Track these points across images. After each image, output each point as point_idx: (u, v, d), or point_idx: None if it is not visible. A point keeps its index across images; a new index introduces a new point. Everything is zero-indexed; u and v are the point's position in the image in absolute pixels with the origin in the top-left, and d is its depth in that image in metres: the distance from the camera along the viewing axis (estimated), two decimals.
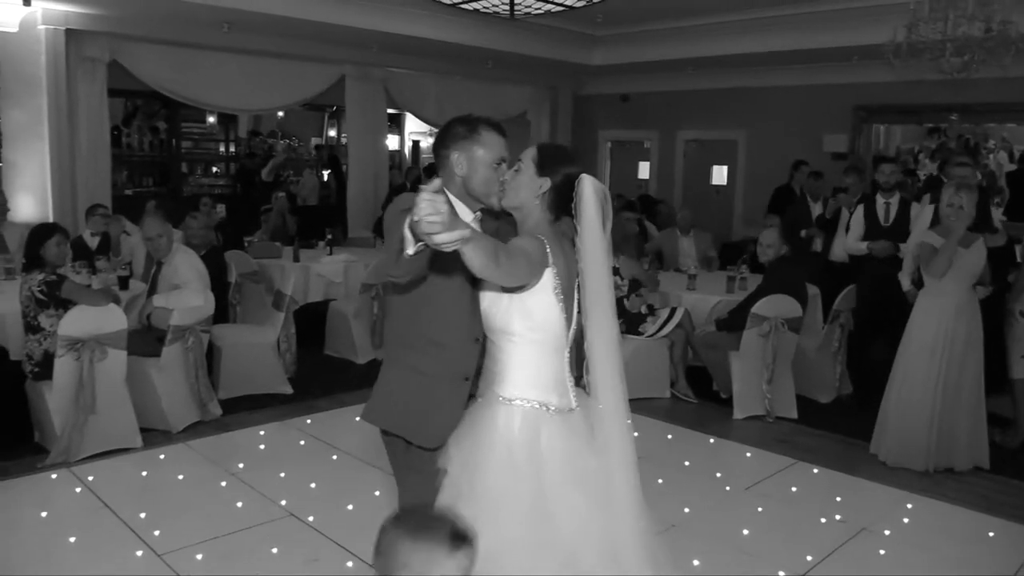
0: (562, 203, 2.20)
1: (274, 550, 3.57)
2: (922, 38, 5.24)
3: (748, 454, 4.94)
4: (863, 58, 8.06)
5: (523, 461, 2.10)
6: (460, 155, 2.30)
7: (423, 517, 1.71)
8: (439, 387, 2.30)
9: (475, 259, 1.79)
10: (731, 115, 10.55)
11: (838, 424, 5.49)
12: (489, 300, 2.18)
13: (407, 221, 1.70)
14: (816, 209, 7.29)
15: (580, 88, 11.99)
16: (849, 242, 6.20)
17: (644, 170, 12.10)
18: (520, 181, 2.24)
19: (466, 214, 2.33)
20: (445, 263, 2.15)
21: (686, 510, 4.10)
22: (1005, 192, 9.45)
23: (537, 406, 2.17)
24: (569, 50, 9.84)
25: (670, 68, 10.12)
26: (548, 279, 2.12)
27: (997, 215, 6.28)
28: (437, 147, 2.36)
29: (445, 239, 1.63)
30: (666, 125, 11.45)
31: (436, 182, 1.64)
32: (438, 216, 1.60)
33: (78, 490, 4.15)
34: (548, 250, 2.11)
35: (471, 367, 2.31)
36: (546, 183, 2.21)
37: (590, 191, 2.14)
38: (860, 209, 6.04)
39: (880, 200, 5.97)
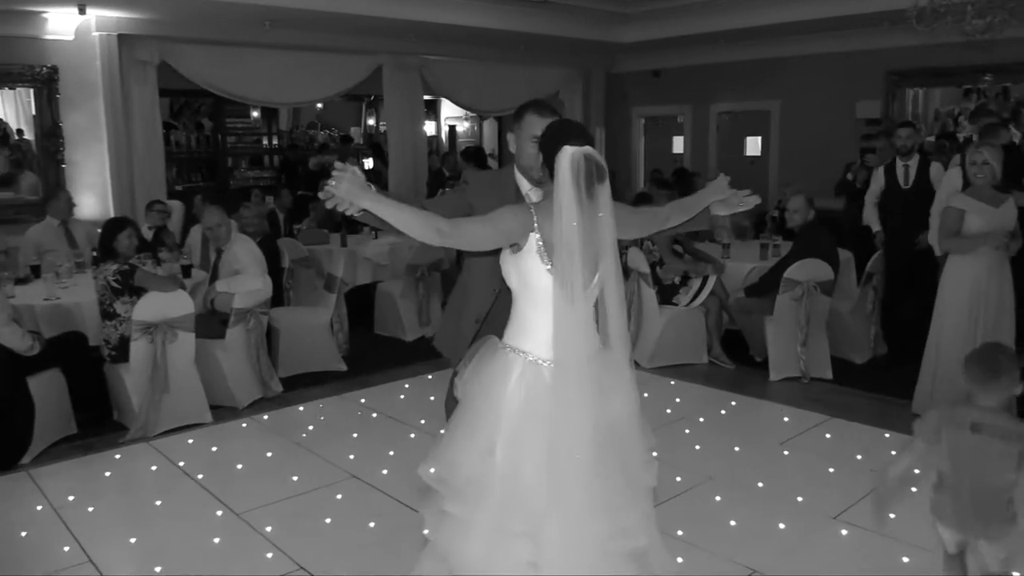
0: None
1: (342, 507, 3.91)
2: (944, 1, 5.33)
3: (783, 412, 5.13)
4: (894, 23, 8.10)
5: (492, 397, 2.33)
6: (511, 136, 2.82)
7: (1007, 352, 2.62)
8: (462, 321, 2.95)
9: (399, 226, 2.25)
10: (763, 86, 10.62)
11: (872, 383, 5.65)
12: (502, 258, 2.44)
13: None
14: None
15: (612, 66, 12.13)
16: (867, 206, 6.32)
17: (678, 144, 12.22)
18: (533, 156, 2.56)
19: (525, 186, 2.82)
20: None
21: (722, 464, 4.33)
22: None
23: (522, 354, 2.36)
24: (600, 29, 10.00)
25: (701, 42, 10.21)
26: (531, 242, 2.31)
27: None
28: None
29: (340, 205, 2.23)
30: (699, 99, 11.55)
31: (345, 164, 2.21)
32: (333, 187, 2.18)
33: (158, 461, 4.52)
34: (534, 215, 2.31)
35: (483, 311, 2.85)
36: (539, 157, 2.41)
37: (566, 165, 2.23)
38: (881, 171, 6.18)
39: (900, 163, 6.10)
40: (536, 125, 2.65)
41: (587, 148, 2.28)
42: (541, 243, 2.31)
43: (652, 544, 2.43)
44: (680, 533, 3.58)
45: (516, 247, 2.35)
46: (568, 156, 2.24)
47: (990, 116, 6.78)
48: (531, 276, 2.34)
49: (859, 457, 4.38)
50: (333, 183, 2.18)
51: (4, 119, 7.94)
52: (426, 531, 2.47)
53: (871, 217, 6.51)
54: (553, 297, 2.29)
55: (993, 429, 2.51)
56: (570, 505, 2.25)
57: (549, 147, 2.33)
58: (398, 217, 2.25)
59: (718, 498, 3.96)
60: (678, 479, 4.11)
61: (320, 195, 2.25)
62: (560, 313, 2.27)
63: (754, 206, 2.64)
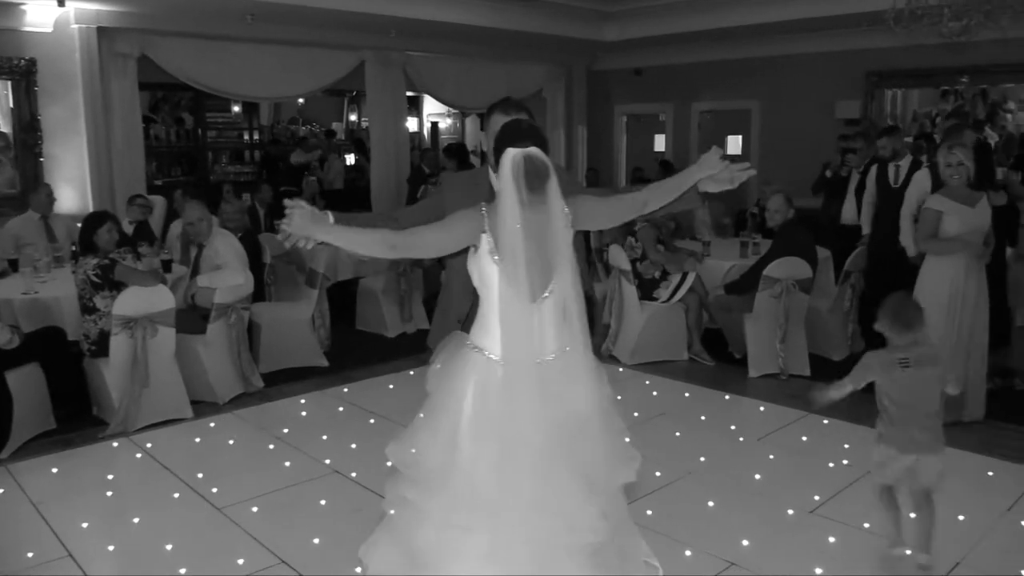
0: None
1: (323, 502, 3.91)
2: (921, 3, 5.41)
3: (761, 408, 5.19)
4: (872, 24, 8.19)
5: (454, 393, 2.38)
6: (483, 135, 2.90)
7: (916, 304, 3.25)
8: (447, 321, 3.00)
9: (356, 250, 2.38)
10: (744, 85, 10.70)
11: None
12: (468, 259, 2.47)
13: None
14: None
15: (594, 64, 12.16)
16: (865, 205, 6.40)
17: (660, 143, 12.28)
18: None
19: (497, 185, 2.73)
20: None
21: (702, 459, 4.38)
22: None
23: (482, 351, 2.39)
24: (582, 27, 10.03)
25: (683, 40, 10.27)
26: (484, 243, 2.35)
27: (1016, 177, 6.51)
28: None
29: (299, 242, 2.34)
30: (680, 97, 11.61)
31: (295, 201, 2.31)
32: (285, 224, 2.29)
33: (138, 456, 4.51)
34: (485, 217, 2.35)
35: (464, 312, 2.83)
36: (492, 157, 2.50)
37: (507, 166, 2.28)
38: (874, 172, 6.29)
39: (891, 165, 6.20)
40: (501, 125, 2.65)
41: (530, 149, 2.30)
42: (492, 244, 2.34)
43: (620, 540, 2.44)
44: (659, 527, 3.61)
45: (474, 248, 2.39)
46: (509, 158, 2.29)
47: (957, 118, 6.89)
48: (487, 276, 2.38)
49: (836, 452, 4.44)
50: (288, 220, 2.28)
51: None
52: (384, 507, 2.54)
53: (865, 217, 6.55)
54: (500, 297, 2.33)
55: (920, 360, 3.12)
56: (519, 501, 2.28)
57: (497, 149, 2.37)
58: (352, 242, 2.36)
59: (697, 492, 4.00)
60: (658, 474, 4.15)
61: (278, 237, 2.36)
62: (507, 313, 2.32)
63: (748, 178, 2.46)
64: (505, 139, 2.34)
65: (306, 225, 2.29)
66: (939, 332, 4.71)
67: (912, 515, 3.28)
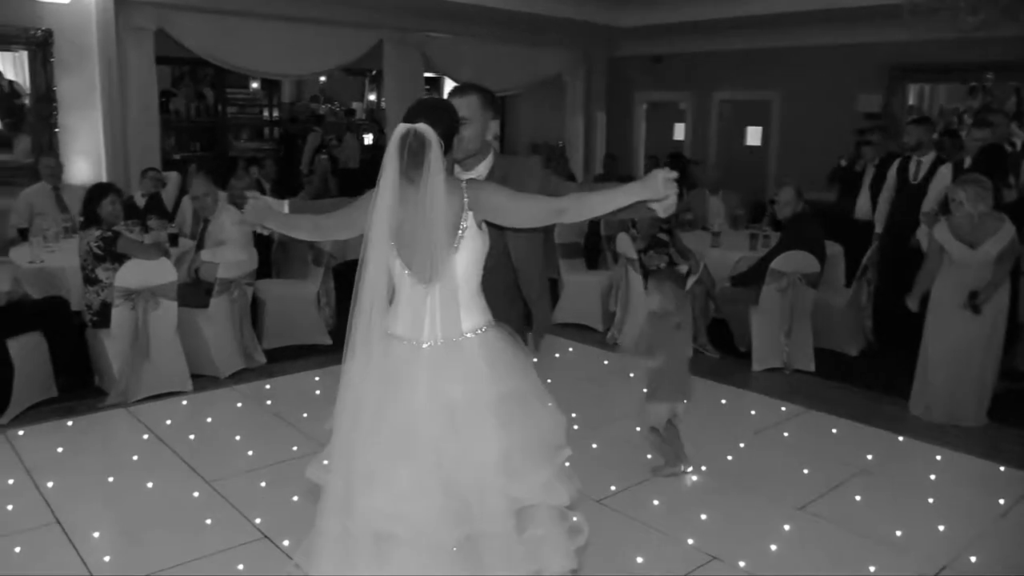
0: None
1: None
2: None
3: (762, 402, 5.13)
4: (888, 18, 8.04)
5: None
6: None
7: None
8: None
9: (293, 234, 2.70)
10: (765, 75, 10.53)
11: (855, 377, 5.66)
12: None
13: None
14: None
15: (614, 50, 12.03)
16: (881, 200, 6.32)
17: (680, 131, 12.14)
18: None
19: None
20: None
21: (696, 451, 4.34)
22: None
23: (389, 332, 2.36)
24: (602, 12, 9.93)
25: (703, 29, 10.12)
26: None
27: None
28: None
29: (256, 229, 2.75)
30: (700, 86, 11.47)
31: (254, 193, 2.74)
32: (244, 214, 2.69)
33: (136, 426, 4.55)
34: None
35: None
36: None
37: (392, 142, 2.24)
38: (896, 165, 6.21)
39: (913, 158, 6.11)
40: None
41: (417, 124, 2.21)
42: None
43: (488, 559, 2.29)
44: (644, 518, 3.60)
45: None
46: (392, 139, 2.23)
47: (988, 114, 6.75)
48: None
49: (831, 450, 4.40)
50: (244, 212, 2.68)
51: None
52: None
53: (880, 215, 6.44)
54: (366, 274, 2.27)
55: (686, 323, 3.84)
56: (354, 471, 2.31)
57: None
58: (291, 228, 2.68)
59: (687, 485, 3.98)
60: (650, 462, 4.13)
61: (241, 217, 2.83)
62: (367, 292, 2.27)
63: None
64: (404, 117, 2.28)
65: (259, 214, 2.64)
66: (955, 335, 4.65)
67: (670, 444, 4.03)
